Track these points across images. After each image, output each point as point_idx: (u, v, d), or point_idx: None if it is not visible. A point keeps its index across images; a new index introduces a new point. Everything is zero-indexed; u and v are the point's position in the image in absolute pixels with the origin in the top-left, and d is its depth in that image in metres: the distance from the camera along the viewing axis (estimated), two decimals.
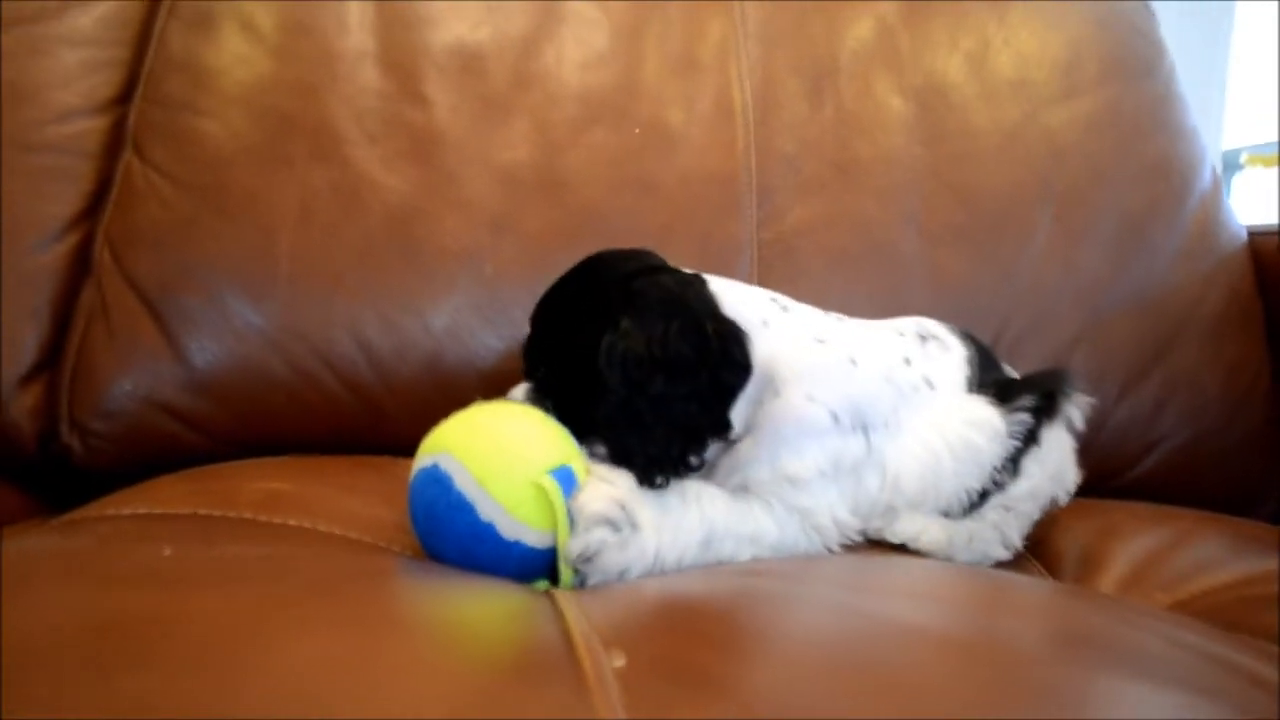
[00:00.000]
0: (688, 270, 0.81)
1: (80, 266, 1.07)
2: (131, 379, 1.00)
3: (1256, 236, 1.29)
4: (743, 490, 0.77)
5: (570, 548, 0.64)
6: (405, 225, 1.05)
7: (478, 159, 1.09)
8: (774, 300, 0.84)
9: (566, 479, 0.66)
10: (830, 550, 0.79)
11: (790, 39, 1.26)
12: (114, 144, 1.11)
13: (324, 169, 1.05)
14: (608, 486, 0.67)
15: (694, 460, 0.72)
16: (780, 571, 0.67)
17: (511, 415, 0.71)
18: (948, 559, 0.85)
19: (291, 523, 0.70)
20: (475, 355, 1.03)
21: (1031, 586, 0.83)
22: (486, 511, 0.64)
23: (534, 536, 0.65)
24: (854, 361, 0.82)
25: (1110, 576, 0.91)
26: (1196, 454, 1.18)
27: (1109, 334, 1.18)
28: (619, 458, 0.70)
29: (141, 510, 0.69)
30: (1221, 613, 0.79)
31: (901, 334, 0.92)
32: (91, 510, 0.73)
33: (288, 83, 1.09)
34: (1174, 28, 1.44)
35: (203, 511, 0.69)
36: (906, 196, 1.18)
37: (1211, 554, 0.93)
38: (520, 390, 0.81)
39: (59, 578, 0.46)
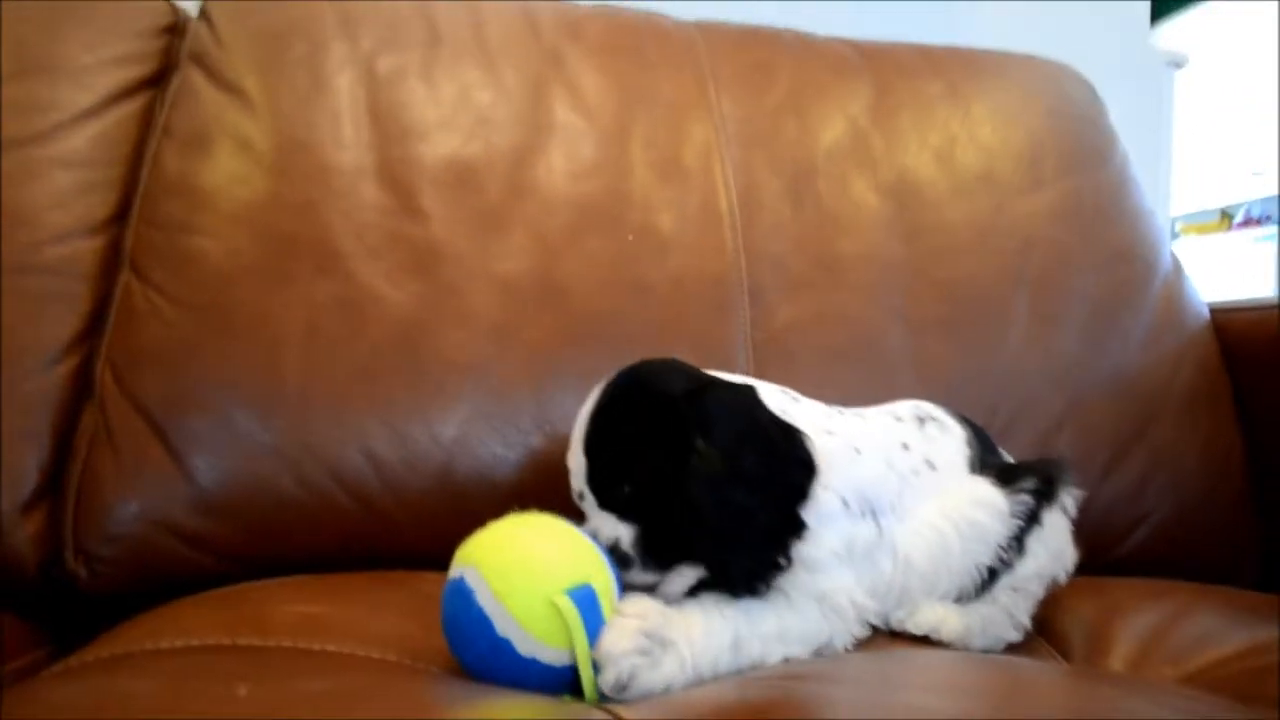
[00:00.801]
0: (728, 375, 0.85)
1: (80, 389, 1.06)
2: (138, 501, 0.99)
3: (1219, 313, 1.36)
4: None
5: (601, 685, 0.66)
6: (410, 338, 1.06)
7: (478, 270, 1.11)
8: (784, 393, 0.90)
9: (586, 599, 0.67)
10: (853, 634, 0.82)
11: (768, 141, 1.31)
12: (110, 264, 1.12)
13: (327, 285, 1.07)
14: (633, 620, 0.68)
15: (783, 562, 0.75)
16: (814, 674, 0.68)
17: (538, 529, 0.72)
18: (965, 647, 0.88)
19: (331, 649, 0.70)
20: (485, 465, 1.04)
21: (1046, 670, 0.86)
22: (503, 628, 0.65)
23: (550, 654, 0.66)
24: (858, 450, 0.87)
25: (1118, 654, 0.94)
26: (1181, 526, 1.22)
27: (1090, 415, 1.23)
28: (718, 574, 0.75)
29: (179, 644, 0.68)
30: (1230, 684, 0.82)
31: (899, 419, 0.97)
32: (119, 645, 0.72)
33: (286, 200, 1.11)
34: (1115, 101, 1.53)
35: (242, 642, 0.69)
36: (890, 291, 1.23)
37: (1213, 626, 0.96)
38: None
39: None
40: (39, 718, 0.50)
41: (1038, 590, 0.94)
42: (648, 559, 0.76)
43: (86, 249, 1.12)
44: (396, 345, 1.06)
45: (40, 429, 1.03)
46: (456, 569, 0.68)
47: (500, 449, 1.05)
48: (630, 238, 1.16)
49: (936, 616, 0.88)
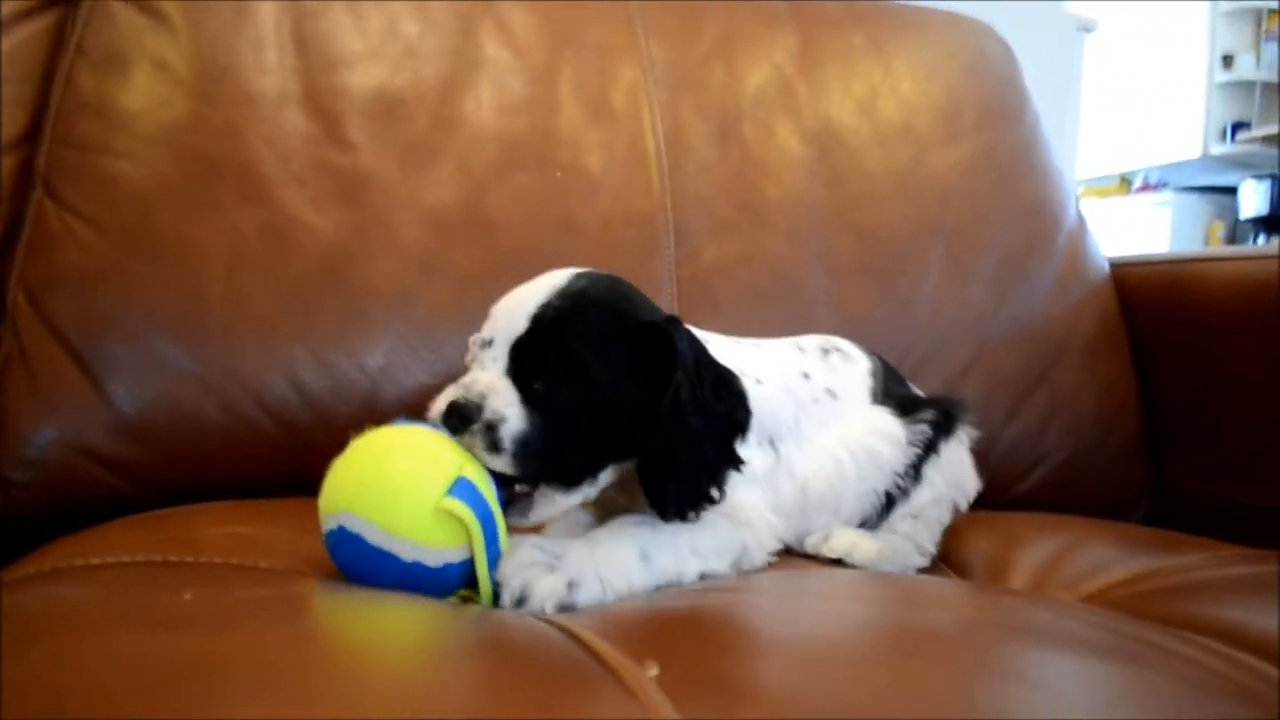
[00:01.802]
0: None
1: None
2: (55, 426, 0.98)
3: (1118, 267, 1.42)
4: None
5: (504, 600, 0.66)
6: (336, 267, 1.06)
7: (405, 200, 1.11)
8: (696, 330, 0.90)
9: (466, 490, 0.67)
10: (767, 547, 0.83)
11: (695, 86, 1.32)
12: (21, 184, 1.09)
13: (252, 211, 1.06)
14: (531, 538, 0.71)
15: (716, 495, 0.76)
16: (751, 588, 0.71)
17: (390, 452, 0.70)
18: (875, 569, 0.92)
19: (264, 565, 0.71)
20: (411, 393, 1.05)
21: (952, 585, 0.92)
22: (408, 554, 0.65)
23: (457, 554, 0.67)
24: (759, 381, 0.88)
25: (1016, 579, 0.99)
26: (1078, 467, 1.29)
27: (997, 360, 1.28)
28: (654, 498, 0.74)
29: (110, 560, 0.68)
30: (1122, 605, 0.88)
31: (802, 350, 1.01)
32: (47, 563, 0.71)
33: (210, 125, 1.09)
34: (1027, 63, 1.58)
35: (173, 558, 0.69)
36: (812, 236, 1.26)
37: (1106, 555, 1.02)
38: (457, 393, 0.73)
39: (102, 624, 0.47)
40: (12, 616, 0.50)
41: (940, 516, 0.99)
42: (523, 455, 0.71)
43: None
44: (323, 274, 1.06)
45: None
46: (330, 519, 0.67)
47: (426, 378, 1.06)
48: (559, 175, 1.17)
49: (849, 541, 0.92)
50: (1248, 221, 4.93)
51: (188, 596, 0.51)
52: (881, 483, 0.96)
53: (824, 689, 0.44)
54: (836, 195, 1.30)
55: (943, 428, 0.98)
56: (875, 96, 1.39)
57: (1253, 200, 4.83)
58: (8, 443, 0.98)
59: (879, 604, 0.71)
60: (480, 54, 1.23)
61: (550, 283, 0.77)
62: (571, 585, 0.67)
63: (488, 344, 0.75)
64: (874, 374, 1.02)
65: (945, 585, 0.88)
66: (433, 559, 0.66)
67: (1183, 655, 0.69)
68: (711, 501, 0.76)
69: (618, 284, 0.81)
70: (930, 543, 0.98)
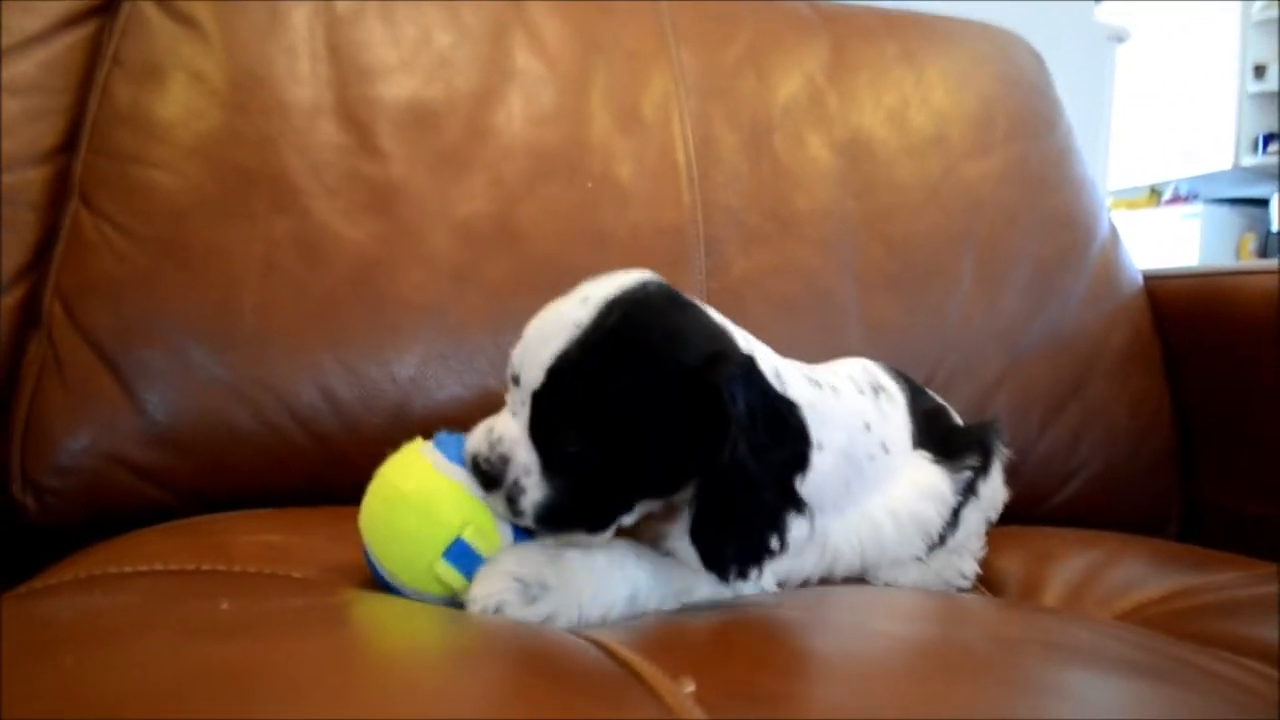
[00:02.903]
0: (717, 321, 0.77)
1: (27, 320, 1.05)
2: (88, 433, 0.98)
3: (1152, 280, 1.41)
4: (666, 548, 0.75)
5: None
6: (368, 277, 1.06)
7: (436, 212, 1.11)
8: (760, 343, 0.84)
9: (461, 554, 0.67)
10: None
11: (726, 95, 1.32)
12: (58, 194, 1.10)
13: (285, 221, 1.06)
14: (506, 567, 0.66)
15: (777, 546, 0.68)
16: (783, 603, 0.71)
17: (396, 503, 0.70)
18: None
19: (298, 574, 0.71)
20: (442, 405, 1.05)
21: (987, 603, 0.91)
22: (412, 595, 0.68)
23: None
24: (819, 447, 0.74)
25: (1050, 596, 0.98)
26: (1110, 480, 1.28)
27: (1028, 373, 1.27)
28: (708, 554, 0.67)
29: (143, 568, 0.68)
30: (1157, 624, 0.86)
31: (861, 392, 0.91)
32: (81, 569, 0.72)
33: (244, 135, 1.10)
34: (1057, 72, 1.56)
35: (207, 567, 0.69)
36: (842, 247, 1.25)
37: (1139, 572, 1.01)
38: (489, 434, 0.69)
39: (136, 632, 0.47)
40: (25, 629, 0.50)
41: (976, 547, 0.98)
42: (547, 519, 0.67)
43: (34, 178, 1.10)
44: (354, 284, 1.06)
45: None
46: (362, 536, 0.70)
47: (457, 389, 1.06)
48: (590, 185, 1.17)
49: (898, 566, 0.91)
50: (1278, 234, 4.88)
51: (224, 606, 0.51)
52: (922, 544, 0.90)
53: (863, 705, 0.44)
54: (867, 206, 1.29)
55: (983, 469, 0.94)
56: (907, 106, 1.38)
57: None
58: (42, 449, 0.99)
59: (914, 620, 0.71)
60: (512, 64, 1.23)
61: (578, 316, 0.67)
62: (549, 619, 0.65)
63: (515, 381, 0.69)
64: (909, 409, 0.96)
65: (980, 602, 0.87)
66: (433, 601, 0.68)
67: (1223, 675, 0.67)
68: (773, 555, 0.68)
69: (662, 312, 0.70)
70: (970, 569, 0.97)
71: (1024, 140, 1.42)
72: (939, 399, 1.06)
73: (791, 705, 0.43)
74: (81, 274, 1.04)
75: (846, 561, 0.86)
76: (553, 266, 1.12)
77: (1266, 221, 4.96)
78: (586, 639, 0.57)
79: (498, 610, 0.64)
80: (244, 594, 0.59)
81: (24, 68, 1.13)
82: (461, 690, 0.42)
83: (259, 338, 1.02)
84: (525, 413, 0.67)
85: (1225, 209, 5.17)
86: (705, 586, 0.73)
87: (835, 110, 1.35)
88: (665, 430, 0.66)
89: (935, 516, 0.91)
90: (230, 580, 0.66)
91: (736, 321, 1.15)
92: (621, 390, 0.65)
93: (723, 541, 0.67)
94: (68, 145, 1.12)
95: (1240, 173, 5.01)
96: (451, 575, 0.66)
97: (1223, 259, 5.02)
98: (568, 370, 0.65)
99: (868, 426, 0.87)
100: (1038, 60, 1.55)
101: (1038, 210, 1.37)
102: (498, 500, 0.67)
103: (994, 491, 0.97)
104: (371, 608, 0.61)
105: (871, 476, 0.87)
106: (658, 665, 0.48)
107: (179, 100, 1.11)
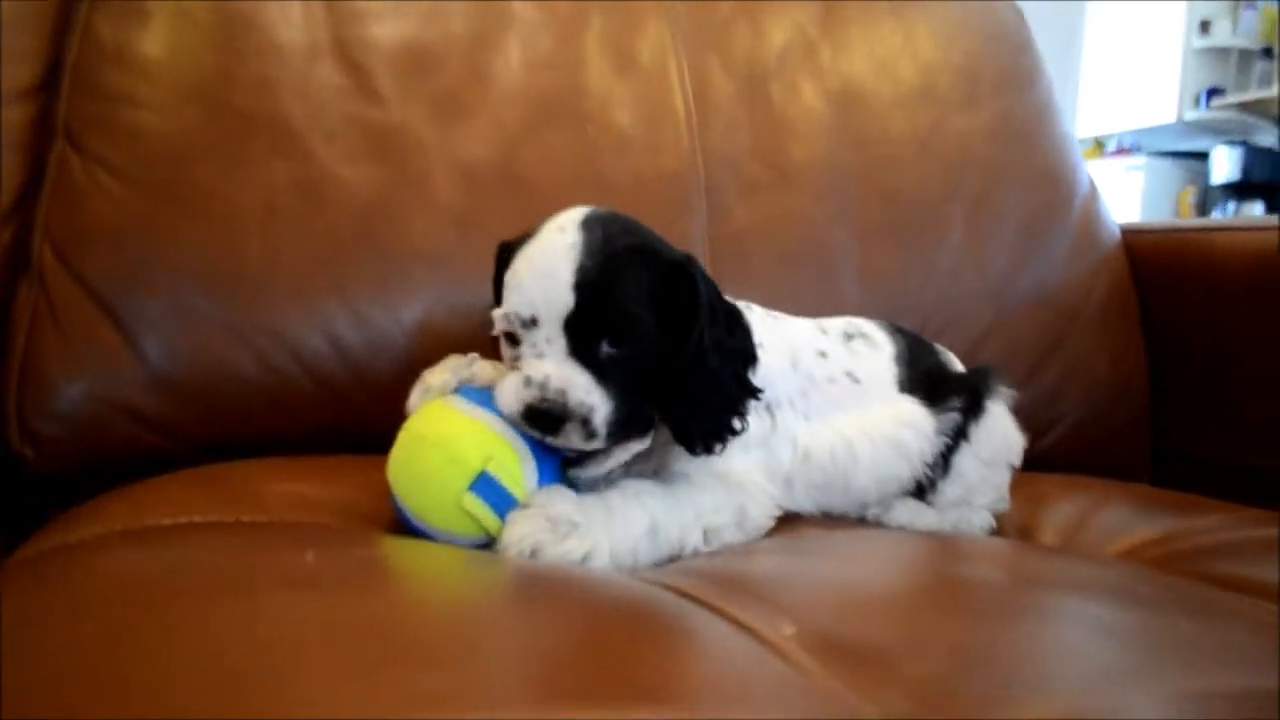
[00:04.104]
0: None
1: (14, 264, 1.02)
2: (87, 380, 0.96)
3: (1129, 234, 1.45)
4: (668, 474, 0.81)
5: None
6: (372, 223, 1.05)
7: (438, 157, 1.10)
8: None
9: (487, 485, 0.68)
10: (766, 507, 0.84)
11: (721, 44, 1.32)
12: (40, 135, 1.06)
13: (286, 166, 1.04)
14: (536, 509, 0.68)
15: (739, 425, 0.77)
16: (831, 550, 0.73)
17: (420, 442, 0.72)
18: None
19: (338, 524, 0.71)
20: (449, 350, 1.04)
21: (991, 543, 0.93)
22: (440, 537, 0.69)
23: (486, 539, 0.69)
24: (760, 344, 0.85)
25: (1046, 539, 1.02)
26: (1089, 430, 1.32)
27: (1015, 326, 1.30)
28: (681, 434, 0.76)
29: (183, 520, 0.67)
30: (1158, 565, 0.90)
31: (824, 331, 0.98)
32: (110, 521, 0.70)
33: (239, 77, 1.07)
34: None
35: (246, 518, 0.69)
36: (838, 197, 1.26)
37: (1126, 516, 1.05)
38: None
39: (245, 587, 0.47)
40: (97, 583, 0.50)
41: (992, 497, 0.99)
42: (613, 430, 0.72)
43: (15, 118, 1.06)
44: (358, 229, 1.05)
45: None
46: (389, 484, 0.71)
47: (464, 336, 1.05)
48: (590, 131, 1.16)
49: (911, 512, 0.94)
50: (1219, 187, 5.00)
51: (310, 558, 0.51)
52: (906, 470, 0.94)
53: (955, 653, 0.46)
54: (861, 157, 1.30)
55: (972, 411, 0.96)
56: (898, 60, 1.39)
57: (1225, 166, 4.88)
58: (38, 396, 0.97)
59: (945, 560, 0.73)
60: (508, 8, 1.21)
61: (569, 240, 0.74)
62: (586, 557, 0.67)
63: (530, 323, 0.73)
64: (899, 359, 0.99)
65: (988, 545, 0.90)
66: (464, 541, 0.69)
67: (1231, 608, 0.71)
68: (735, 433, 0.78)
69: (630, 224, 0.80)
70: (983, 521, 0.98)
71: (1009, 95, 1.44)
72: (952, 362, 1.06)
73: (885, 653, 0.45)
74: (73, 218, 1.01)
75: (819, 465, 0.91)
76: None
77: (1206, 175, 5.08)
78: (659, 584, 0.58)
79: (534, 551, 0.66)
80: (316, 545, 0.59)
81: None
82: (573, 638, 0.43)
83: (263, 283, 1.01)
84: (561, 342, 0.72)
85: (1168, 162, 5.27)
86: (708, 500, 0.78)
87: (828, 61, 1.35)
88: (659, 315, 0.74)
89: (913, 445, 0.94)
90: (288, 531, 0.66)
91: (738, 271, 1.16)
92: (631, 287, 0.73)
93: (691, 420, 0.76)
94: (47, 85, 1.08)
95: (1183, 126, 5.11)
96: (479, 508, 0.67)
97: (1164, 212, 5.13)
98: (590, 284, 0.71)
99: (822, 353, 0.95)
100: (1020, 17, 1.56)
101: (1023, 165, 1.39)
102: (572, 435, 0.71)
103: (995, 436, 0.97)
104: (443, 557, 0.61)
105: (837, 398, 0.93)
106: (746, 610, 0.49)
107: (166, 40, 1.08)
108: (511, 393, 0.71)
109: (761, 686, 0.40)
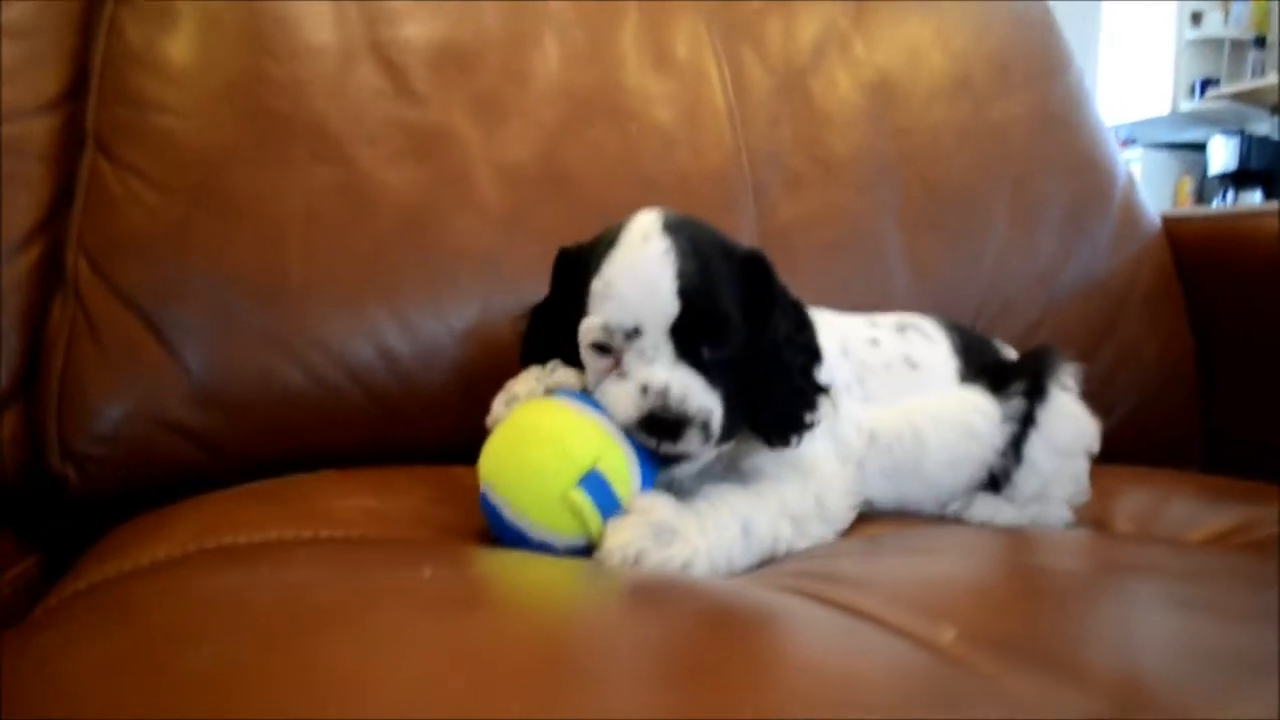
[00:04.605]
0: None
1: (48, 279, 0.98)
2: (130, 397, 0.93)
3: (1170, 221, 1.43)
4: (741, 471, 0.80)
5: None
6: (417, 226, 1.02)
7: (481, 157, 1.07)
8: None
9: (595, 483, 0.67)
10: (843, 492, 0.83)
11: (753, 36, 1.29)
12: (68, 144, 1.03)
13: (326, 169, 1.01)
14: (637, 516, 0.67)
15: (810, 419, 0.78)
16: (937, 545, 0.70)
17: (527, 434, 0.70)
18: None
19: (422, 538, 0.68)
20: (502, 360, 1.01)
21: (1068, 534, 0.91)
22: (536, 535, 0.66)
23: (584, 541, 0.67)
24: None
25: (1121, 531, 0.99)
26: (1143, 418, 1.30)
27: (1064, 314, 1.28)
28: (759, 428, 0.77)
29: (258, 538, 0.64)
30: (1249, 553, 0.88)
31: (875, 324, 0.98)
32: (177, 544, 0.67)
33: (273, 79, 1.03)
34: None
35: (324, 534, 0.66)
36: (882, 190, 1.24)
37: (1195, 506, 1.03)
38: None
39: (369, 608, 0.44)
40: (214, 611, 0.46)
41: (1071, 489, 0.96)
42: (725, 431, 0.73)
43: (41, 127, 1.02)
44: (403, 234, 1.02)
45: (6, 325, 0.95)
46: (481, 482, 0.69)
47: (515, 340, 1.02)
48: (634, 129, 1.14)
49: (991, 507, 0.92)
50: (1216, 177, 5.00)
51: (428, 574, 0.48)
52: (977, 452, 0.92)
53: (1129, 647, 0.43)
54: (902, 148, 1.28)
55: (1036, 394, 0.94)
56: (930, 50, 1.37)
57: (1221, 156, 4.89)
58: (80, 416, 0.93)
59: (1054, 555, 0.71)
60: (539, 7, 1.18)
61: (660, 248, 0.73)
62: (686, 564, 0.66)
63: (634, 333, 0.72)
64: (956, 352, 0.98)
65: (1064, 535, 0.87)
66: (559, 543, 0.66)
67: None
68: (807, 427, 0.78)
69: (702, 224, 0.80)
70: (1061, 515, 0.95)
71: (1042, 82, 1.42)
72: (1011, 357, 1.04)
73: (1048, 652, 0.42)
74: (108, 229, 0.98)
75: (887, 446, 0.90)
76: (603, 212, 1.06)
77: (1204, 165, 5.08)
78: (803, 595, 0.55)
79: (637, 558, 0.64)
80: (420, 563, 0.55)
81: (22, 9, 1.05)
82: (724, 647, 0.40)
83: (307, 291, 0.98)
84: (667, 348, 0.72)
85: (1164, 153, 5.28)
86: (791, 492, 0.77)
87: (861, 53, 1.33)
88: (743, 313, 0.75)
89: (981, 428, 0.92)
90: (375, 548, 0.62)
91: (787, 267, 1.13)
92: (725, 289, 0.74)
93: (767, 413, 0.77)
94: (74, 92, 1.05)
95: (1178, 118, 5.11)
96: (586, 504, 0.65)
97: (1161, 202, 5.12)
98: (692, 290, 0.71)
99: (874, 341, 0.95)
100: (1044, 4, 1.54)
101: (1062, 153, 1.37)
102: (691, 441, 0.71)
103: (1065, 422, 0.94)
104: (542, 568, 0.58)
105: (895, 384, 0.93)
106: (893, 612, 0.47)
107: (195, 42, 1.04)
108: (629, 401, 0.71)
109: (948, 698, 0.37)
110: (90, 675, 0.41)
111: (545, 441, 0.68)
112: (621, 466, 0.68)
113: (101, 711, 0.37)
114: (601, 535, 0.65)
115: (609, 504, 0.67)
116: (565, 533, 0.66)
